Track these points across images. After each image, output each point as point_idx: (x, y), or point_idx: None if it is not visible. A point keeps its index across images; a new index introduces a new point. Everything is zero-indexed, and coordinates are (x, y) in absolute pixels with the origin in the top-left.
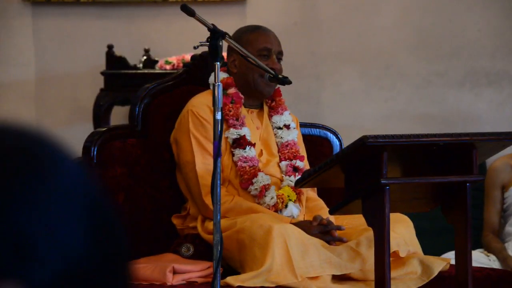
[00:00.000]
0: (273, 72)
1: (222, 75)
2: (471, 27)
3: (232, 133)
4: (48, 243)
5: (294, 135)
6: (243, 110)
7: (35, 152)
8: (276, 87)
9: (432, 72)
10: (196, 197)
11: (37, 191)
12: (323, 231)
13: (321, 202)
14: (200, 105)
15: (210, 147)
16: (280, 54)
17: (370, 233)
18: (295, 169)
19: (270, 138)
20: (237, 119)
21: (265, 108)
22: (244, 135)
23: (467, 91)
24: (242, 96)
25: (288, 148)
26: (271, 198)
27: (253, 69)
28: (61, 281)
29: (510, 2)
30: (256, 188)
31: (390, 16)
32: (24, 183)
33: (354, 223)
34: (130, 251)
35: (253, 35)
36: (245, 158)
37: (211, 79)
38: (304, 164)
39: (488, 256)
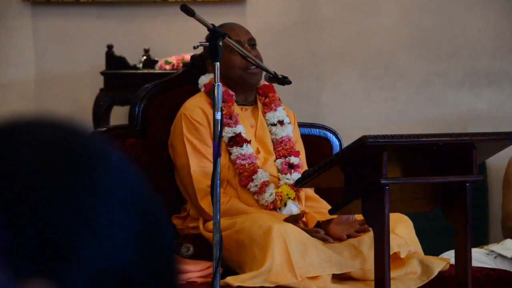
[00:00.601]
0: (272, 72)
1: (209, 76)
2: (471, 27)
3: (227, 132)
4: (87, 244)
5: (288, 131)
6: (236, 108)
7: (79, 148)
8: (268, 84)
9: (432, 72)
10: (193, 200)
11: (80, 189)
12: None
13: (323, 203)
14: (193, 107)
15: (204, 149)
16: (251, 40)
17: (372, 232)
18: (291, 166)
19: (266, 136)
20: (230, 118)
21: (259, 106)
22: (240, 133)
23: (467, 91)
24: (233, 93)
25: (282, 145)
26: (270, 195)
27: (234, 65)
28: (99, 284)
29: (510, 2)
30: (256, 185)
31: (390, 16)
32: (66, 180)
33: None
34: (177, 261)
35: None
36: (243, 155)
37: (201, 82)
38: (299, 160)
39: (491, 252)
